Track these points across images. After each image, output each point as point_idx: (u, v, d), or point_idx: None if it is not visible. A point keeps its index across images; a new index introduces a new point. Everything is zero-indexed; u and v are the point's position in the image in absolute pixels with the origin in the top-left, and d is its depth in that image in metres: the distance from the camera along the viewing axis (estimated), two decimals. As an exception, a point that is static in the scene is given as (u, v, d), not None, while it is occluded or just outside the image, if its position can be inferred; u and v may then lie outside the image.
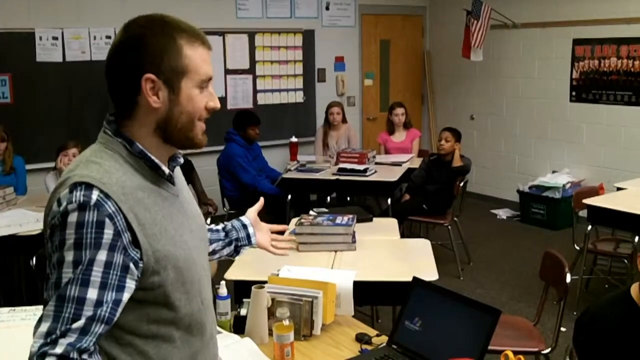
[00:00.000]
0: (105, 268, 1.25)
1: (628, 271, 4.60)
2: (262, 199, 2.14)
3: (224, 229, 1.94)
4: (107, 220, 1.25)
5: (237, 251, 1.94)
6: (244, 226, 1.96)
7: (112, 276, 1.26)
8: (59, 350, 1.21)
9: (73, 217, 1.24)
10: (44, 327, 1.22)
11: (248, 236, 1.95)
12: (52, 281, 1.25)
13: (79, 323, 1.22)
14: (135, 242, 1.30)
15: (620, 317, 2.19)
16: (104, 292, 1.25)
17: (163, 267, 1.34)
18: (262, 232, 2.04)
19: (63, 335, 1.21)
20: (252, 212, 2.04)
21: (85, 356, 1.24)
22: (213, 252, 1.88)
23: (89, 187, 1.27)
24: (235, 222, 1.97)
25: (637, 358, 2.15)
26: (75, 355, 1.22)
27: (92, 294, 1.23)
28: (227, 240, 1.91)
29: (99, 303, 1.24)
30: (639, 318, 2.17)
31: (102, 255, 1.25)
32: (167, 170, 1.43)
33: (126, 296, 1.29)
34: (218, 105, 1.44)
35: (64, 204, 1.25)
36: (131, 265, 1.29)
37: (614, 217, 4.37)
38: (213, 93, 1.44)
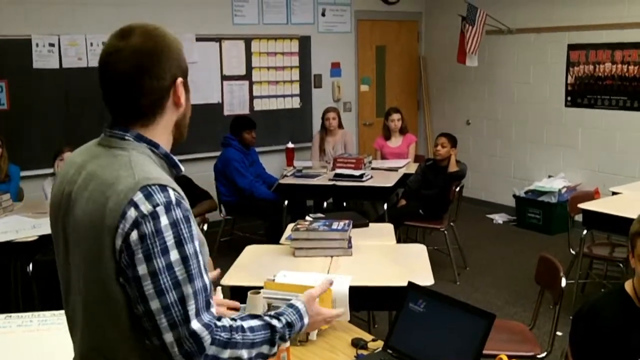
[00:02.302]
0: (201, 256, 1.35)
1: (623, 275, 4.61)
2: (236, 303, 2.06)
3: None
4: (188, 215, 1.33)
5: None
6: None
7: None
8: (226, 323, 1.36)
9: (165, 219, 1.28)
10: (198, 324, 1.30)
11: None
12: (167, 284, 1.27)
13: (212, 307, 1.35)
14: None
15: (615, 310, 2.28)
16: (207, 276, 1.36)
17: (203, 255, 1.41)
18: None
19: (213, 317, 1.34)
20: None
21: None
22: None
23: (164, 187, 1.32)
24: None
25: (630, 350, 2.21)
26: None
27: (206, 280, 1.34)
28: None
29: (196, 293, 1.32)
30: (633, 312, 2.26)
31: (197, 246, 1.34)
32: (182, 169, 1.50)
33: None
34: None
35: (147, 206, 1.28)
36: None
37: (610, 221, 4.38)
38: None
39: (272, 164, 6.90)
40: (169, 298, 1.27)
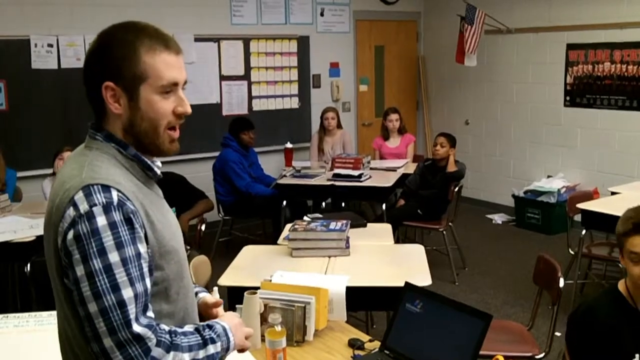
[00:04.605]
0: (145, 260, 1.32)
1: (622, 275, 4.60)
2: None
3: None
4: (132, 217, 1.30)
5: None
6: None
7: (148, 265, 1.33)
8: (164, 326, 1.34)
9: (102, 219, 1.26)
10: (140, 327, 1.26)
11: None
12: (105, 286, 1.24)
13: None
14: (145, 239, 1.35)
15: (610, 310, 2.29)
16: (149, 280, 1.33)
17: (167, 262, 1.40)
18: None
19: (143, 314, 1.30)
20: (207, 299, 1.69)
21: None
22: None
23: (106, 188, 1.30)
24: None
25: (624, 348, 2.22)
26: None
27: (147, 283, 1.31)
28: None
29: (136, 297, 1.30)
30: (626, 311, 2.28)
31: (142, 248, 1.30)
32: (158, 171, 1.47)
33: None
34: (188, 110, 1.44)
35: (85, 206, 1.27)
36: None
37: (608, 221, 4.36)
38: (183, 97, 1.44)
39: (271, 164, 6.89)
40: (107, 301, 1.24)
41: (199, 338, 1.38)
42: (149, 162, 1.44)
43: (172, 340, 1.32)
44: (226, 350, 1.44)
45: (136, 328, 1.26)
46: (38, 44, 5.91)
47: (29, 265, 4.10)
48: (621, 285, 2.34)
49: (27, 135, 5.87)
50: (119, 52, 1.37)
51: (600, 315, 2.29)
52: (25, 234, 4.01)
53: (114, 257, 1.25)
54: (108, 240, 1.25)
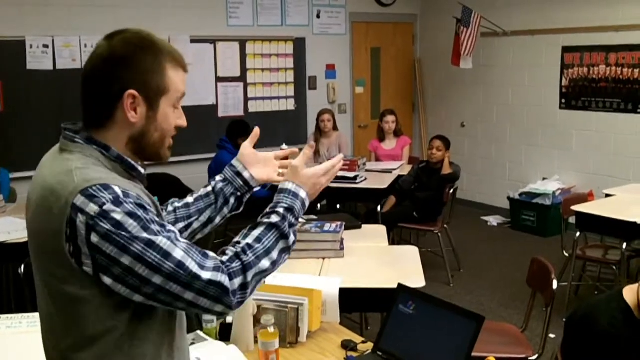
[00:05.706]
0: (169, 231, 1.33)
1: (616, 277, 4.62)
2: (257, 129, 1.93)
3: (213, 189, 1.79)
4: (141, 202, 1.31)
5: (240, 203, 1.83)
6: (237, 174, 1.81)
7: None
8: (230, 252, 1.40)
9: (118, 213, 1.26)
10: (208, 273, 1.31)
11: (246, 182, 1.82)
12: (157, 258, 1.26)
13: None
14: None
15: (612, 319, 2.17)
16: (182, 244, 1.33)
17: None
18: (262, 164, 1.87)
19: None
20: (247, 147, 1.84)
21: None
22: (210, 221, 1.79)
23: (106, 186, 1.29)
24: (227, 173, 1.81)
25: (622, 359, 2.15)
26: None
27: (183, 243, 1.32)
28: (222, 201, 1.79)
29: (187, 251, 1.32)
30: (631, 322, 2.15)
31: (161, 221, 1.33)
32: (142, 170, 1.46)
33: None
34: (185, 124, 1.49)
35: (93, 207, 1.25)
36: None
37: (603, 223, 4.39)
38: (182, 112, 1.49)
39: (267, 165, 6.87)
40: (167, 268, 1.28)
41: (276, 232, 1.47)
42: (132, 162, 1.43)
43: (242, 261, 1.37)
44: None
45: (205, 275, 1.30)
46: (33, 45, 5.91)
47: (23, 266, 4.09)
48: (627, 294, 2.19)
49: (22, 135, 5.86)
50: (146, 62, 1.38)
51: (602, 322, 2.17)
52: (20, 235, 3.99)
53: (149, 233, 1.27)
54: (133, 226, 1.26)
